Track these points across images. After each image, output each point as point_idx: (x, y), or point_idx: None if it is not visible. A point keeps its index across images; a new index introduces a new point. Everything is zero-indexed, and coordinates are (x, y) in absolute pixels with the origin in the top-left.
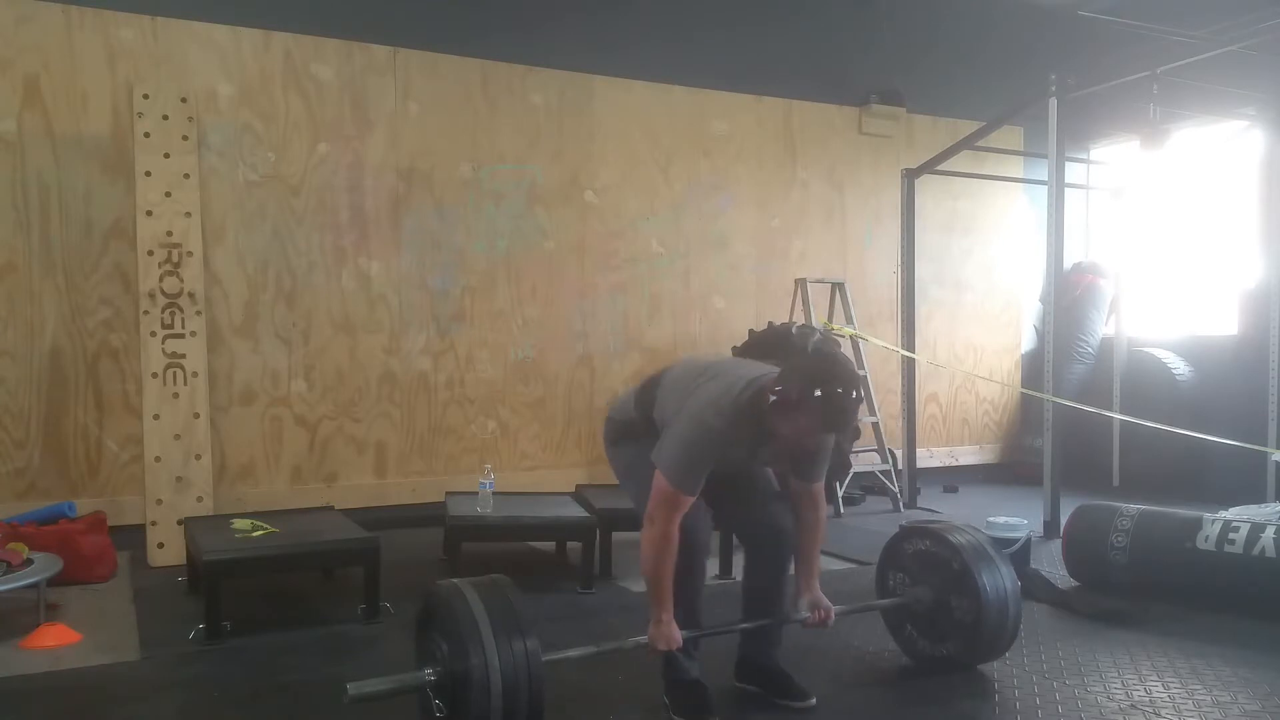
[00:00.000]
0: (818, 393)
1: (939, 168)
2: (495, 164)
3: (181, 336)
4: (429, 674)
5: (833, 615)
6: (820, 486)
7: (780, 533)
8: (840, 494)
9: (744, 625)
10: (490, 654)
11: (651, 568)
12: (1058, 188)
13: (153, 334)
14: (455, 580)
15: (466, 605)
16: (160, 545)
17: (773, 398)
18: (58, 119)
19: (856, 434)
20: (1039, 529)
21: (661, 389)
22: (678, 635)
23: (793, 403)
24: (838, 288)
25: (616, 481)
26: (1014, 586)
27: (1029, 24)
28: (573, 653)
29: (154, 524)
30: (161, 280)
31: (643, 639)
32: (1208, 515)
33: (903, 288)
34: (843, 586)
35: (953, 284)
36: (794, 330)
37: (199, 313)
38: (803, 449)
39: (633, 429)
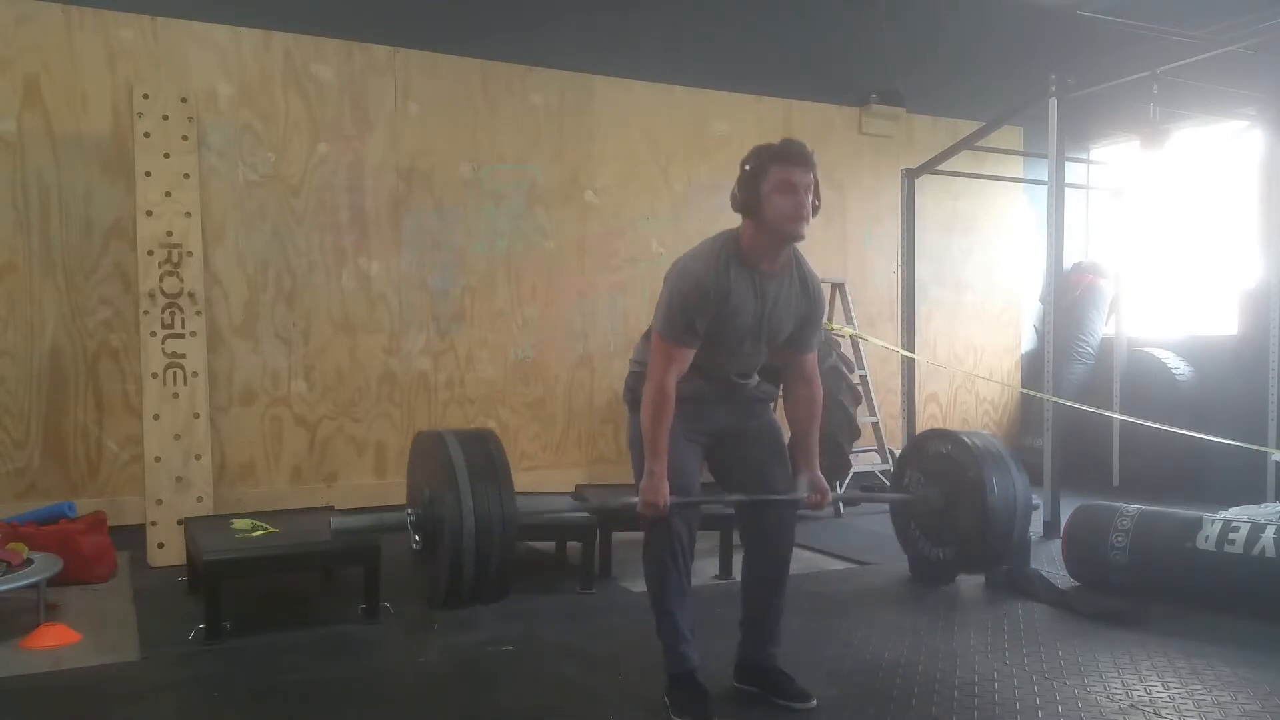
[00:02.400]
0: (770, 147)
1: (939, 168)
2: (495, 164)
3: (181, 336)
4: (409, 513)
5: (829, 497)
6: (814, 357)
7: (785, 528)
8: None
9: (734, 498)
10: (465, 496)
11: (649, 421)
12: (1058, 188)
13: (153, 334)
14: (440, 430)
15: (446, 452)
16: (160, 545)
17: (739, 190)
18: (58, 119)
19: (856, 433)
20: (1039, 529)
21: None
22: (666, 492)
23: (756, 172)
24: (838, 288)
25: (615, 482)
26: (1025, 504)
27: (1029, 24)
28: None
29: (154, 524)
30: (161, 280)
31: (633, 500)
32: (1208, 515)
33: (903, 288)
34: (842, 586)
35: (953, 284)
36: None
37: (199, 313)
38: (792, 227)
39: None
